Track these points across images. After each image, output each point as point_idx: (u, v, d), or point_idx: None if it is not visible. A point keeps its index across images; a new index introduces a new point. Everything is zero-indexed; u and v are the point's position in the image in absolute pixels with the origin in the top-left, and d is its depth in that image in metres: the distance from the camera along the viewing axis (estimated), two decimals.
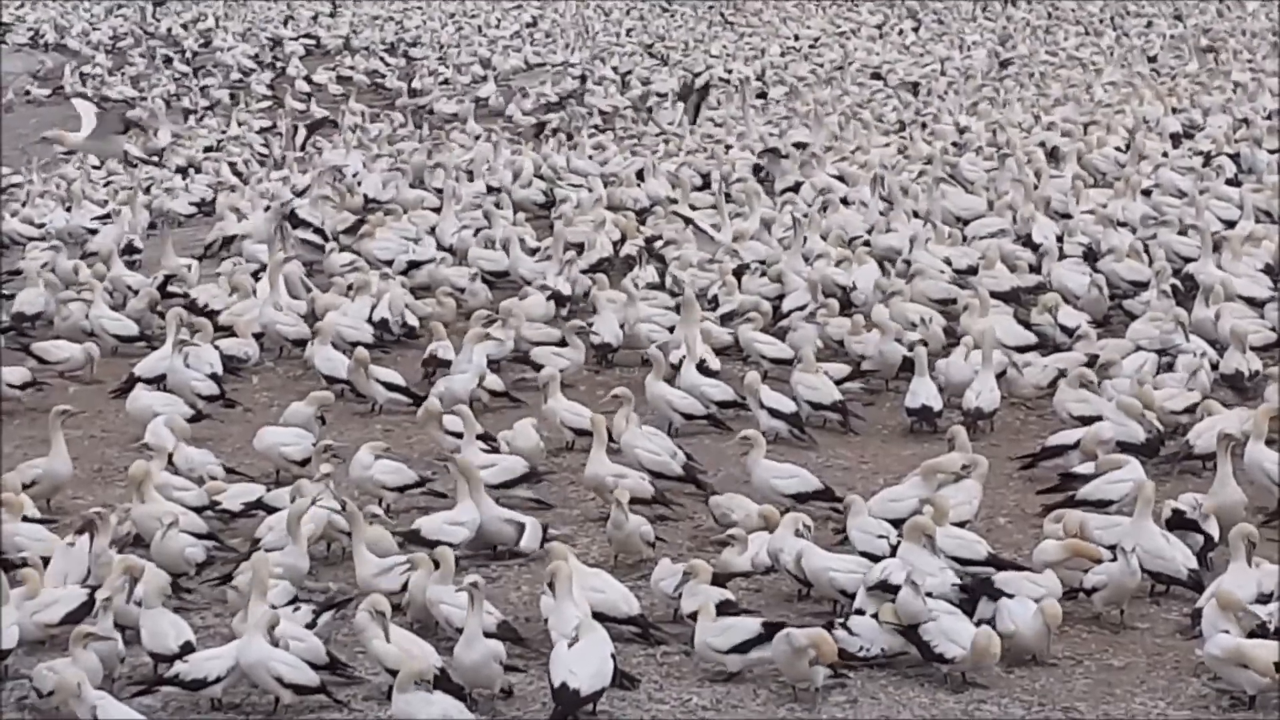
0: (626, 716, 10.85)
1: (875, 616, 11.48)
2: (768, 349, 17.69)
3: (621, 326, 18.26)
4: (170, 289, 20.03)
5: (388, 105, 36.93)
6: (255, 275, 20.02)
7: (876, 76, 37.97)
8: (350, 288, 19.22)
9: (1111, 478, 13.53)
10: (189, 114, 36.15)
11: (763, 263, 20.10)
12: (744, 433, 14.26)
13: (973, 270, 19.49)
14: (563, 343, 17.74)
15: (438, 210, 23.15)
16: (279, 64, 43.11)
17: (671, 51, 43.58)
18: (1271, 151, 25.47)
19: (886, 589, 11.53)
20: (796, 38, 45.45)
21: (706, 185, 24.71)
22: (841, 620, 11.68)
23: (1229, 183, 23.36)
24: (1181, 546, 12.45)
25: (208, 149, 31.80)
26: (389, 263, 20.74)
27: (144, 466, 13.25)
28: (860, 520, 12.70)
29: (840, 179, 24.40)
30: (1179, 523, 12.82)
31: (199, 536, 12.89)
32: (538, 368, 16.77)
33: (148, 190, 26.67)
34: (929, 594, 11.41)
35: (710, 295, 19.24)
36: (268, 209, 23.39)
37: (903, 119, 31.17)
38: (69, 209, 25.06)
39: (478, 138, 30.26)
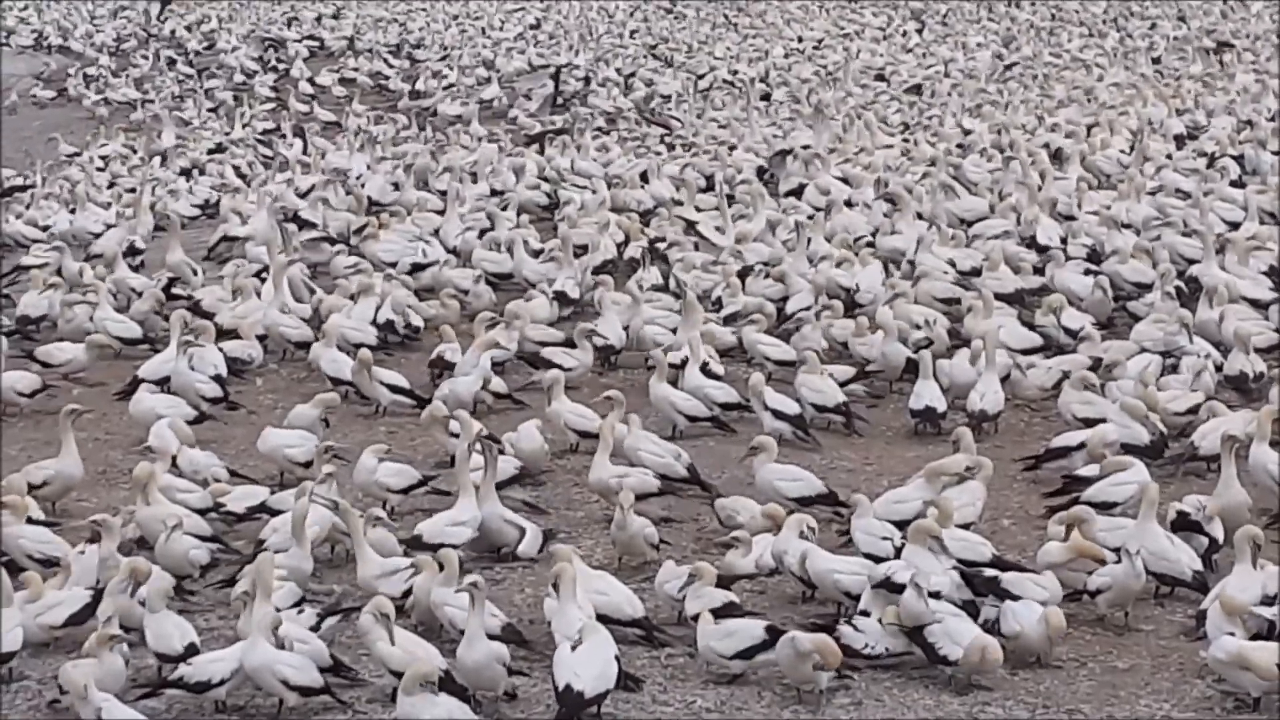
0: (631, 718, 10.85)
1: (880, 620, 11.49)
2: (771, 350, 17.68)
3: (625, 329, 18.26)
4: (174, 291, 20.04)
5: (391, 107, 36.94)
6: (260, 276, 20.03)
7: (880, 78, 37.97)
8: (356, 291, 19.23)
9: (1116, 480, 13.53)
10: (186, 123, 36.09)
11: (767, 264, 20.09)
12: (755, 440, 14.26)
13: (976, 272, 19.48)
14: (571, 344, 17.75)
15: (441, 212, 23.15)
16: (282, 66, 43.11)
17: (675, 53, 43.57)
18: (1275, 153, 25.46)
19: (891, 588, 11.54)
20: (800, 39, 45.44)
21: (711, 187, 24.70)
22: (847, 618, 11.68)
23: (1233, 184, 23.35)
24: (1186, 548, 12.45)
25: (211, 151, 31.82)
26: (393, 264, 20.77)
27: (148, 469, 13.26)
28: (865, 521, 12.69)
29: (845, 181, 24.40)
30: (1183, 524, 12.81)
31: (203, 539, 12.90)
32: (548, 366, 16.83)
33: (152, 192, 26.66)
34: (933, 595, 11.42)
35: (714, 297, 19.24)
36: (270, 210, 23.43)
37: (906, 121, 31.16)
38: (73, 211, 25.07)
39: (480, 139, 30.27)
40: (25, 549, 12.65)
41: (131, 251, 22.21)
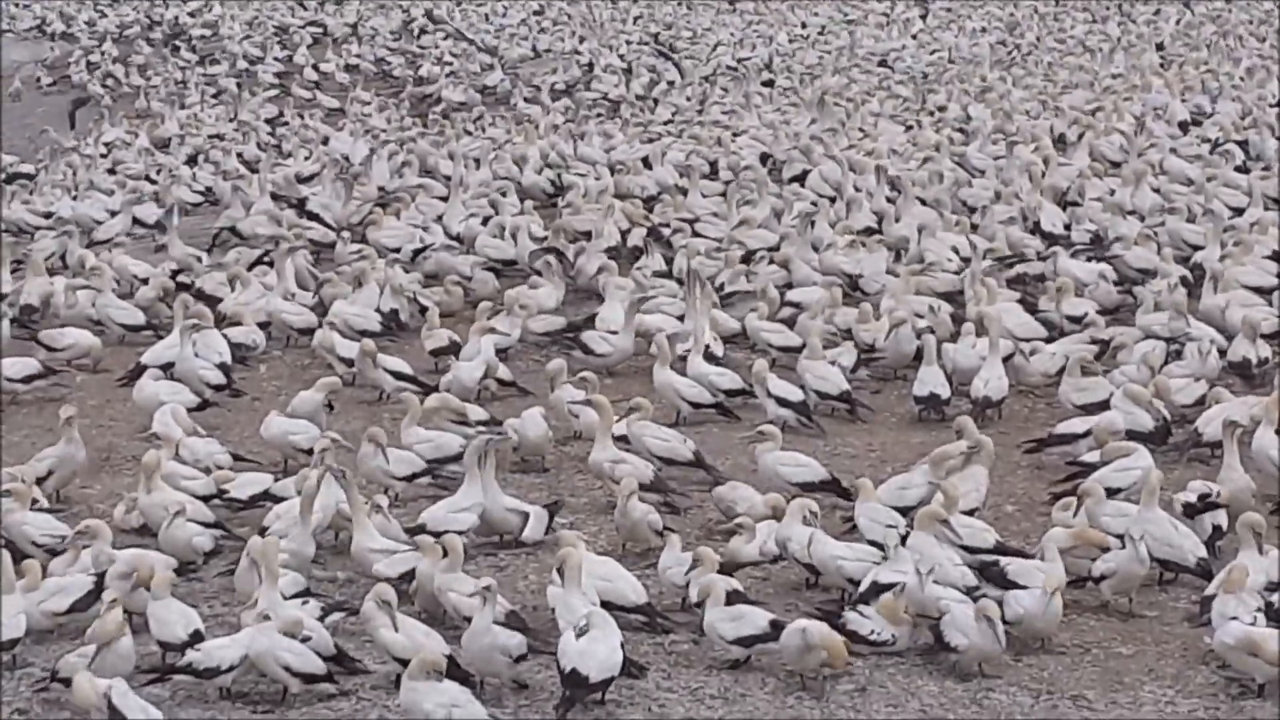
0: (635, 704, 10.85)
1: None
2: (775, 337, 17.67)
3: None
4: (180, 280, 20.04)
5: (394, 93, 36.91)
6: (264, 262, 20.07)
7: (883, 64, 37.93)
8: (354, 276, 19.27)
9: (1120, 465, 13.52)
10: (186, 107, 35.98)
11: (771, 250, 20.06)
12: (760, 426, 14.27)
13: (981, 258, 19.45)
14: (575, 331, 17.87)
15: (444, 198, 23.15)
16: (286, 52, 43.04)
17: (678, 40, 43.53)
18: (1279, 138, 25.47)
19: (880, 591, 11.57)
20: (804, 25, 45.39)
21: (715, 173, 24.71)
22: (852, 604, 11.66)
23: (1237, 170, 23.35)
24: (1190, 534, 12.45)
25: (214, 137, 31.78)
26: (397, 250, 20.80)
27: (156, 456, 13.28)
28: (869, 507, 12.69)
29: (849, 166, 24.37)
30: (1204, 506, 12.84)
31: (206, 525, 12.92)
32: (587, 351, 17.07)
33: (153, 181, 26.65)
34: (935, 582, 11.44)
35: (718, 283, 19.21)
36: (275, 197, 23.44)
37: (910, 106, 31.13)
38: (75, 198, 25.07)
39: (478, 120, 30.27)
40: (29, 535, 12.68)
41: (159, 228, 22.37)
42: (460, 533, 12.40)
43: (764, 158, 25.97)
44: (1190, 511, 12.77)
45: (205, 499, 13.34)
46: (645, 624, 11.74)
